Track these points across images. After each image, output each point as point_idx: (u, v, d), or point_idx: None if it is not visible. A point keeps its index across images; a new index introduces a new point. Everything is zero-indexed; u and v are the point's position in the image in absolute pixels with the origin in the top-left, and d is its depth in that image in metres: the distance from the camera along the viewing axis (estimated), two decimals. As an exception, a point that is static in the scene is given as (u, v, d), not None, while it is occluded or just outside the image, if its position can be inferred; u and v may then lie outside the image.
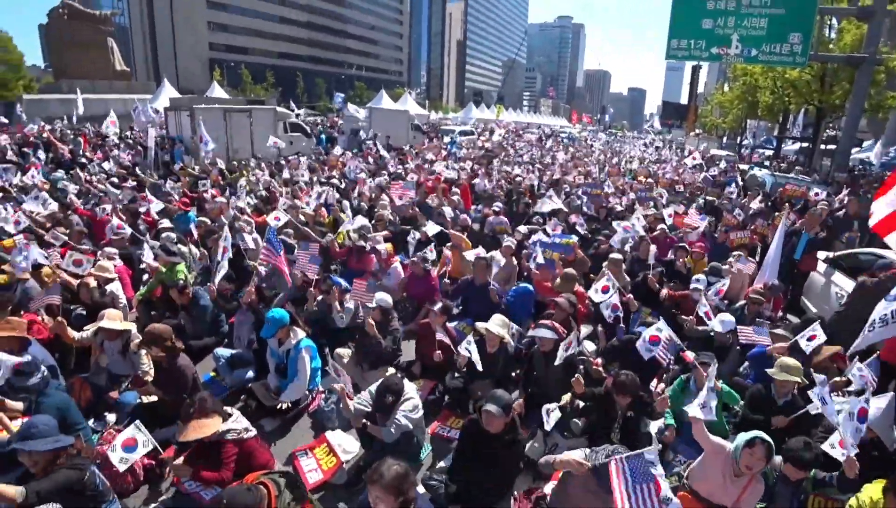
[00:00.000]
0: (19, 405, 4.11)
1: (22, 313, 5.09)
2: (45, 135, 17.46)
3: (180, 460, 3.44)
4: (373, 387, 4.03)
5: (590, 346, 6.11)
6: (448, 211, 9.29)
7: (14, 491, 2.88)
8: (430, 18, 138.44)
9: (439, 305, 5.18)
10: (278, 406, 4.51)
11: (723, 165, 21.07)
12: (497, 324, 5.00)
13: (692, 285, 6.18)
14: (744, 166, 21.55)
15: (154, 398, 4.51)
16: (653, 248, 7.52)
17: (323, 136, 22.55)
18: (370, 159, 16.66)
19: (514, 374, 5.21)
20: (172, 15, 73.82)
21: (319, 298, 5.60)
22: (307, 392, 4.73)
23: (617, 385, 4.16)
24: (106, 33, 35.50)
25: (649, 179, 16.32)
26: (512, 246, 7.57)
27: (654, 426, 4.42)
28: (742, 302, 6.27)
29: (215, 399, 3.60)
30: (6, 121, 22.23)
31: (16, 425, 4.06)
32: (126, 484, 3.87)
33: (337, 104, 34.86)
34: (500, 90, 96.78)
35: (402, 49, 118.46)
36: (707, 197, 13.09)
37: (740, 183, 15.07)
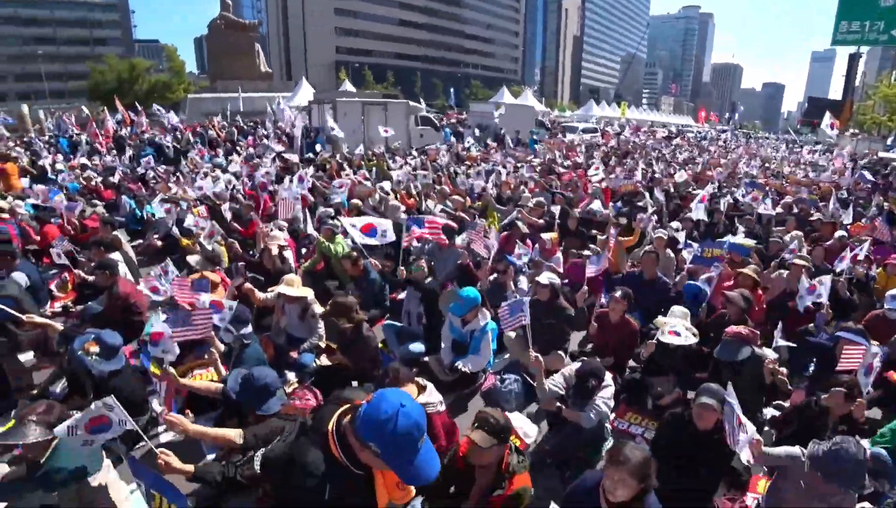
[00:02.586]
0: (221, 347, 4.45)
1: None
2: (209, 128, 19.67)
3: None
4: (566, 370, 3.79)
5: (770, 354, 5.40)
6: (597, 204, 8.96)
7: (234, 434, 3.01)
8: (546, 15, 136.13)
9: (619, 292, 4.80)
10: (453, 379, 4.41)
11: None
12: (679, 317, 4.56)
13: (887, 306, 5.18)
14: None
15: (331, 362, 4.66)
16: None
17: (447, 129, 23.00)
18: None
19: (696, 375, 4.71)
20: (304, 22, 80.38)
21: (492, 277, 5.47)
22: (481, 371, 4.60)
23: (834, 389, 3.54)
24: (253, 39, 39.32)
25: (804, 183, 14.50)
26: (664, 237, 7.11)
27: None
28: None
29: (409, 371, 3.55)
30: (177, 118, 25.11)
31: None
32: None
33: (451, 102, 35.61)
34: (618, 87, 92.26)
35: (517, 47, 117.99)
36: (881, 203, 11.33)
37: None
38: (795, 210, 10.23)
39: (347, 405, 1.89)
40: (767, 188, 11.70)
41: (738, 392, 3.95)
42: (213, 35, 38.04)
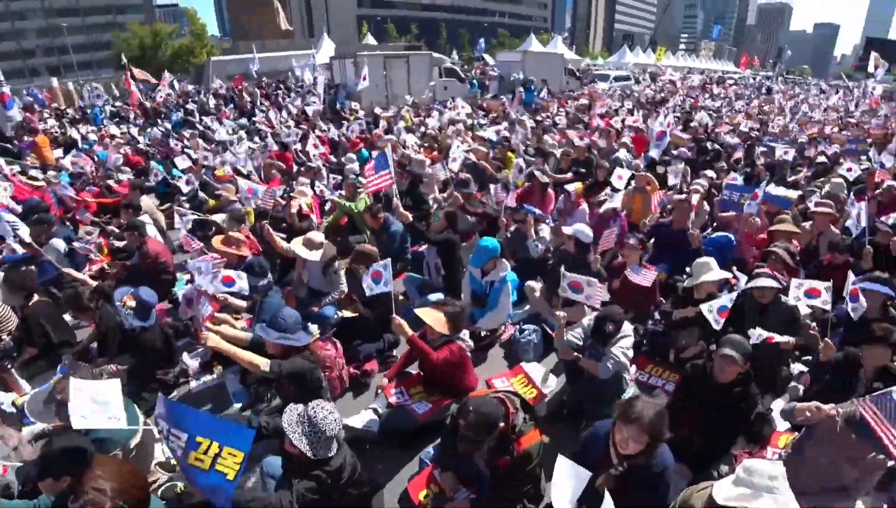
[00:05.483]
0: (243, 304, 4.54)
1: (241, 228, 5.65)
2: (237, 88, 19.67)
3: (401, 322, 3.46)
4: (585, 321, 3.72)
5: (803, 308, 5.17)
6: (624, 154, 8.63)
7: (262, 362, 3.15)
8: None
9: (633, 238, 4.65)
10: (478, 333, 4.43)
11: None
12: (711, 274, 4.40)
13: None
14: None
15: (352, 314, 4.71)
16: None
17: (475, 81, 22.37)
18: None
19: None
20: (325, -25, 77.91)
21: (512, 228, 5.38)
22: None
23: (875, 337, 3.31)
24: (272, -4, 38.42)
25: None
26: (701, 189, 6.77)
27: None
28: None
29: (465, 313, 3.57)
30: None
31: (238, 325, 4.53)
32: (333, 389, 4.08)
33: (477, 53, 34.41)
34: (654, 32, 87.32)
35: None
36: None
37: None
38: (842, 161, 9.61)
39: None
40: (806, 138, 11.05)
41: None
42: (233, -7, 37.49)
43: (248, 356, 3.19)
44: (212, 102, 17.63)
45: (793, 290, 3.97)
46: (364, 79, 14.59)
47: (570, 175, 7.79)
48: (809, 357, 4.54)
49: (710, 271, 4.48)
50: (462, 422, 2.45)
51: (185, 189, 7.65)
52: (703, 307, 3.80)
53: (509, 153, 8.43)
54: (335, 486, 2.52)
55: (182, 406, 2.39)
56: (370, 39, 34.42)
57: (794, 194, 6.53)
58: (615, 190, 6.83)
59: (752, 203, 5.62)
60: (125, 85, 20.30)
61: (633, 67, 35.86)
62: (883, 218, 5.84)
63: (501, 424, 2.53)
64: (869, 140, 11.82)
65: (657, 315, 4.93)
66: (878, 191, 7.06)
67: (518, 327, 4.70)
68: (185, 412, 2.31)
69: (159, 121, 16.07)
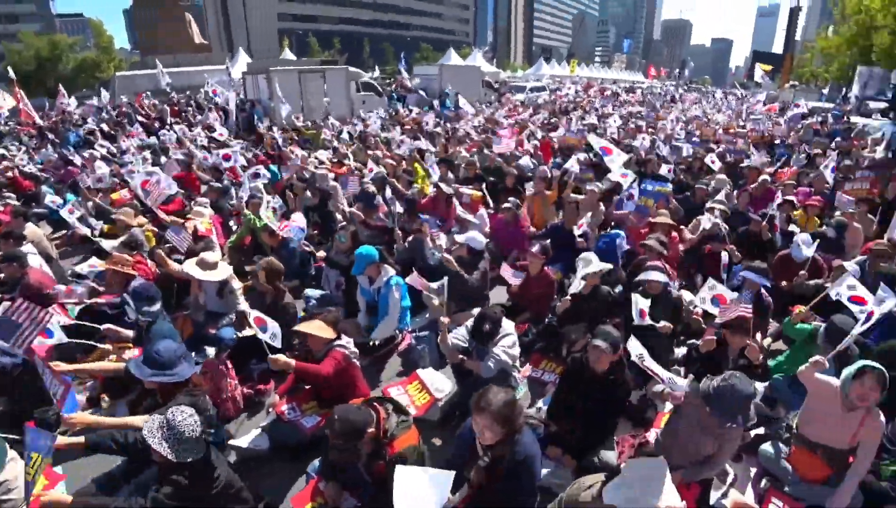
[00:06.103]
0: (130, 334, 4.35)
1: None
2: (139, 105, 18.63)
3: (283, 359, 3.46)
4: (468, 323, 3.88)
5: (687, 296, 5.67)
6: (527, 161, 9.05)
7: (139, 421, 2.98)
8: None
9: (537, 246, 4.92)
10: (369, 344, 4.49)
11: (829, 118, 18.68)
12: (591, 266, 4.73)
13: (793, 251, 5.35)
14: (858, 119, 18.82)
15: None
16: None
17: (394, 95, 22.56)
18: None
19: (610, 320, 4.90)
20: (243, -12, 75.67)
21: (410, 238, 5.52)
22: (397, 332, 4.69)
23: (733, 325, 3.75)
24: (183, 8, 37.10)
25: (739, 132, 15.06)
26: (597, 191, 7.21)
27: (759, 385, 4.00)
28: (862, 257, 5.46)
29: (341, 318, 3.66)
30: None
31: (127, 355, 4.33)
32: (226, 411, 4.01)
33: (402, 67, 34.79)
34: (571, 46, 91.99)
35: (467, 8, 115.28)
36: (812, 151, 11.82)
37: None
38: (729, 158, 10.58)
39: None
40: (696, 139, 12.11)
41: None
42: (140, 5, 35.79)
43: (121, 421, 3.08)
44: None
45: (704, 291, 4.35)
46: (282, 101, 14.50)
47: (474, 184, 8.04)
48: (694, 341, 4.99)
49: (590, 264, 4.80)
50: (329, 431, 2.51)
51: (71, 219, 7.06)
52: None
53: (415, 165, 8.61)
54: (200, 494, 2.47)
55: (32, 429, 2.47)
56: (288, 54, 33.79)
57: (667, 188, 7.09)
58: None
59: (630, 203, 6.16)
60: (14, 101, 18.74)
61: (549, 78, 37.55)
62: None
63: (371, 429, 2.60)
64: (748, 141, 13.15)
65: (552, 313, 5.25)
66: (753, 186, 7.92)
67: (414, 334, 4.83)
68: (31, 433, 2.44)
69: (53, 138, 14.92)
